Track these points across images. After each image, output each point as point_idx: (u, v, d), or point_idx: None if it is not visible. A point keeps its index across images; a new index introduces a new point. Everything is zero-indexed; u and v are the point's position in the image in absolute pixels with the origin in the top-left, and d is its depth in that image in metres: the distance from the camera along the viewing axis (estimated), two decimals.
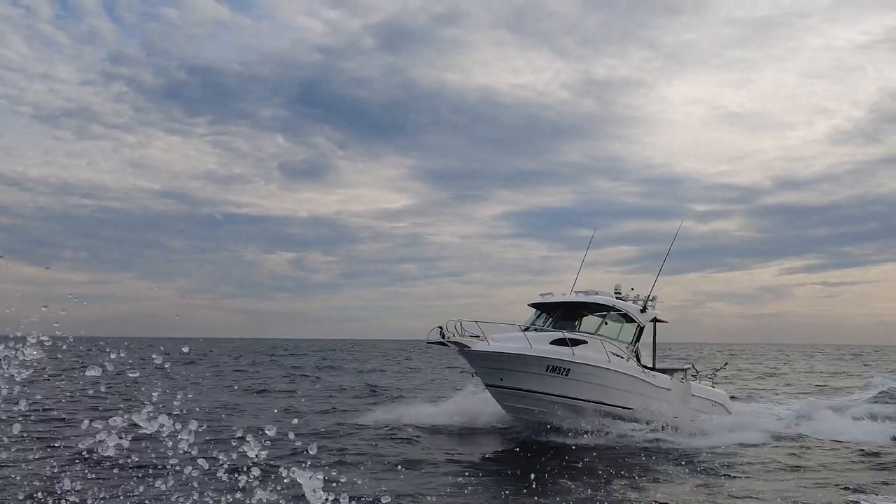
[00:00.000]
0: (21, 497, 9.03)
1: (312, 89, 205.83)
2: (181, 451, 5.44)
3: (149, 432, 5.29)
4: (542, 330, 17.89)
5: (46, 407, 15.48)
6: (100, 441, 5.40)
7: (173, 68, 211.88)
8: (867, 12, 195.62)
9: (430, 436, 16.49)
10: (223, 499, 6.65)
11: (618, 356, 17.49)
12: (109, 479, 10.10)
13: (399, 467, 12.16)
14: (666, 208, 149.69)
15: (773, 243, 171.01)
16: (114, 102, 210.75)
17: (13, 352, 5.43)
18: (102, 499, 9.11)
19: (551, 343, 16.59)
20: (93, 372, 5.73)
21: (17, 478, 10.13)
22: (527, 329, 17.99)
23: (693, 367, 21.42)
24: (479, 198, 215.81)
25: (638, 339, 18.65)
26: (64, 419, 15.06)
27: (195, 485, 6.39)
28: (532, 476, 9.91)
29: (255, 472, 5.75)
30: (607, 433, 16.53)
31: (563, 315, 18.31)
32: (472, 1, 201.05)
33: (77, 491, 8.29)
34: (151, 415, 5.25)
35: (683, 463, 13.80)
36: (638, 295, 19.65)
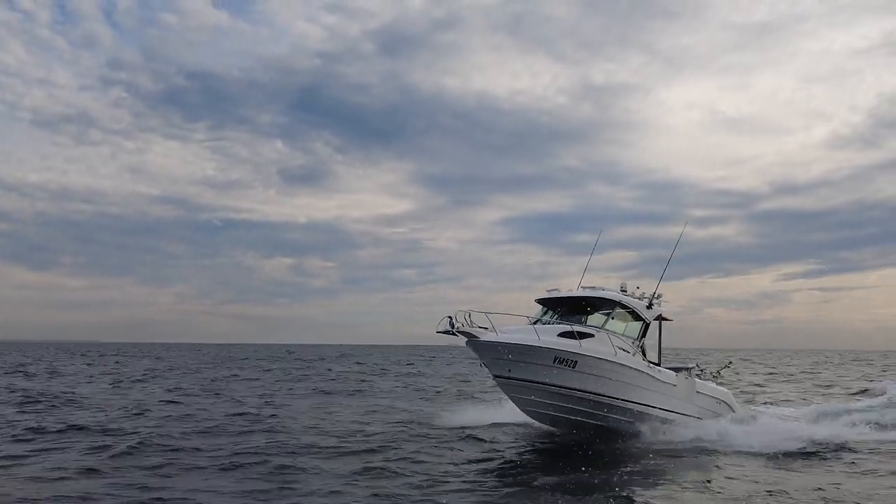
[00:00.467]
0: None
1: (311, 95, 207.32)
2: None
3: None
4: (550, 324, 18.11)
5: None
6: None
7: (172, 74, 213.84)
8: (865, 17, 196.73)
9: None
10: None
11: (624, 350, 17.68)
12: None
13: None
14: (664, 213, 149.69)
15: (771, 249, 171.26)
16: (112, 108, 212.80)
17: None
18: None
19: (559, 335, 16.77)
20: None
21: None
22: (535, 323, 18.24)
23: (697, 365, 21.58)
24: (477, 203, 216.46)
25: (643, 336, 18.80)
26: None
27: None
28: None
29: None
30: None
31: (569, 311, 18.49)
32: (471, 6, 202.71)
33: None
34: None
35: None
36: (644, 293, 19.86)
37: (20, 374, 41.41)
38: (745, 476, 13.01)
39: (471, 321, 16.15)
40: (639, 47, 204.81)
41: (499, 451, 15.44)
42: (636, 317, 18.71)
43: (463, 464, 13.69)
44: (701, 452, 15.75)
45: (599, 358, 16.86)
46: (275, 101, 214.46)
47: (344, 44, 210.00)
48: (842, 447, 16.29)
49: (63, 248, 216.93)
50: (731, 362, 26.48)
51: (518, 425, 18.73)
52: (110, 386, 32.40)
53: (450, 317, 15.66)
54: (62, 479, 11.65)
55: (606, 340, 17.19)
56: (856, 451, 15.87)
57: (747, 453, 15.58)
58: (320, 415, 21.50)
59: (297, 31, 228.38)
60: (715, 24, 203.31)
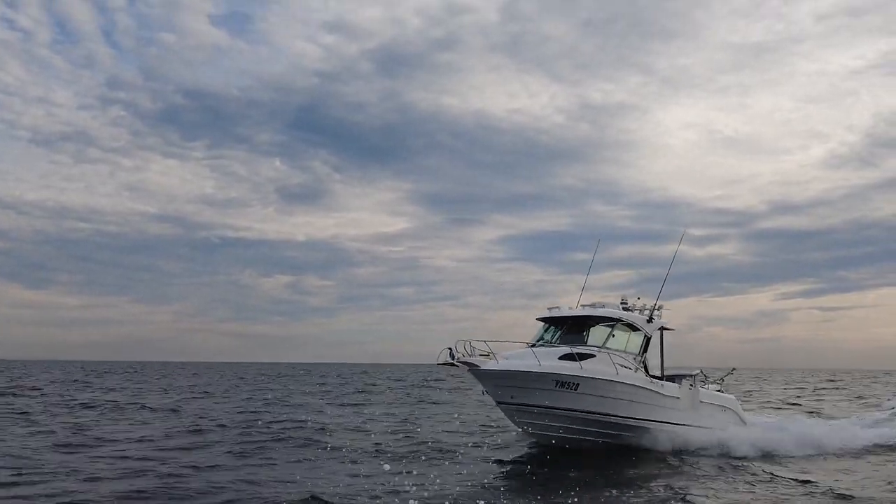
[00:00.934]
0: None
1: (309, 113, 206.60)
2: None
3: None
4: (550, 344, 18.01)
5: None
6: None
7: (171, 93, 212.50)
8: (861, 37, 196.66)
9: None
10: None
11: (626, 368, 17.61)
12: None
13: None
14: (661, 232, 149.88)
15: (769, 268, 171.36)
16: (111, 126, 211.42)
17: None
18: None
19: (559, 358, 16.73)
20: None
21: None
22: (535, 343, 18.13)
23: (702, 372, 21.48)
24: (475, 221, 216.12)
25: (646, 349, 18.81)
26: None
27: None
28: None
29: None
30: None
31: (571, 328, 18.47)
32: (469, 26, 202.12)
33: None
34: None
35: None
36: (644, 304, 19.83)
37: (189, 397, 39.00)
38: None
39: (472, 350, 16.02)
40: (636, 67, 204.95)
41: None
42: (637, 331, 18.65)
43: None
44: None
45: (601, 379, 16.79)
46: (273, 119, 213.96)
47: (342, 63, 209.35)
48: None
49: (60, 267, 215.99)
50: (734, 369, 26.51)
51: None
52: (262, 408, 30.95)
53: (450, 348, 15.61)
54: None
55: (607, 360, 17.18)
56: None
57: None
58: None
59: (295, 50, 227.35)
60: (712, 45, 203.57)
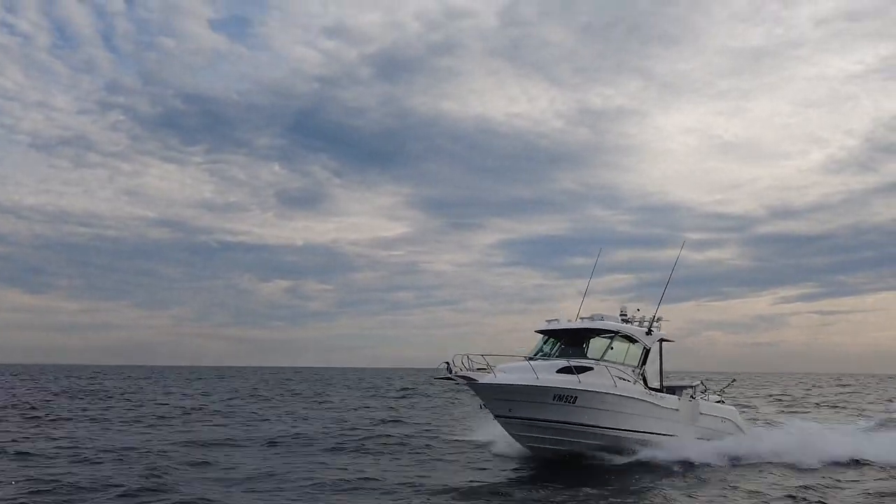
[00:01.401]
0: None
1: (309, 118, 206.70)
2: None
3: None
4: (549, 356, 17.96)
5: None
6: None
7: (170, 97, 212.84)
8: (860, 42, 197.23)
9: None
10: None
11: (624, 380, 17.54)
12: None
13: None
14: (660, 237, 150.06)
15: (768, 272, 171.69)
16: (110, 131, 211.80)
17: None
18: None
19: (557, 372, 16.69)
20: None
21: None
22: (534, 356, 18.07)
23: (702, 383, 21.42)
24: (474, 226, 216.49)
25: (644, 362, 18.76)
26: None
27: None
28: None
29: None
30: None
31: (570, 340, 18.42)
32: (468, 31, 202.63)
33: None
34: None
35: None
36: (644, 316, 19.78)
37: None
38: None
39: (469, 363, 15.96)
40: (635, 72, 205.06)
41: None
42: (636, 343, 18.59)
43: None
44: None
45: (599, 392, 16.73)
46: (273, 124, 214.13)
47: (342, 68, 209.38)
48: None
49: (60, 271, 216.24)
50: (734, 380, 26.43)
51: None
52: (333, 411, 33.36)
53: (447, 362, 15.58)
54: None
55: (605, 373, 17.13)
56: None
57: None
58: None
59: (295, 55, 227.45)
60: (711, 50, 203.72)
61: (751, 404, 37.54)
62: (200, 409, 32.54)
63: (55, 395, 42.74)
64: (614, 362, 17.79)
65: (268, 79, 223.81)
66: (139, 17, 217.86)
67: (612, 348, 18.10)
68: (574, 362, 16.99)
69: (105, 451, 17.55)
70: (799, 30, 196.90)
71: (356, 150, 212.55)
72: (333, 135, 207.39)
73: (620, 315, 19.69)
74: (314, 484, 13.76)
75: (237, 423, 25.77)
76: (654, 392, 18.47)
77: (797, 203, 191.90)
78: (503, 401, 16.50)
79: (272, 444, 19.95)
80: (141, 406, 34.14)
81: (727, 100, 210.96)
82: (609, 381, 17.09)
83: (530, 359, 17.82)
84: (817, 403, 41.85)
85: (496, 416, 17.10)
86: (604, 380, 17.05)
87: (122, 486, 12.85)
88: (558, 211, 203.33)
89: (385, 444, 20.25)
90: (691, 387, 20.26)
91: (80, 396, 41.73)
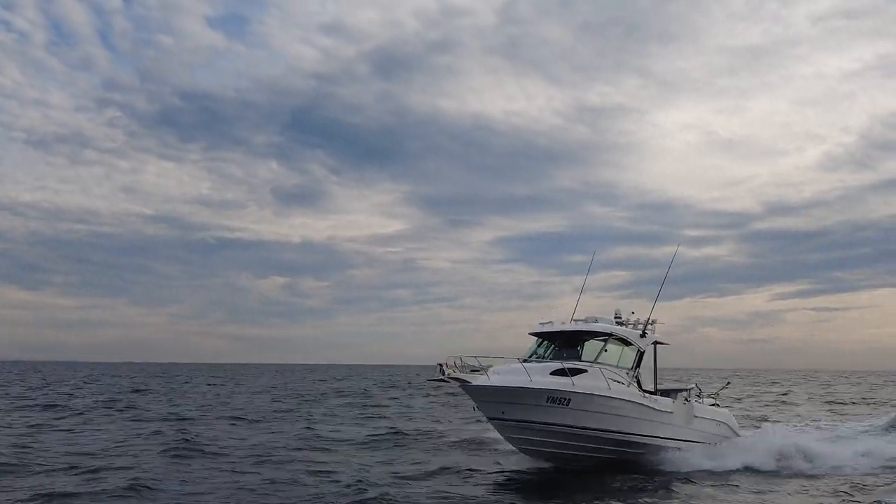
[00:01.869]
0: None
1: (306, 115, 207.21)
2: None
3: None
4: (543, 358, 17.97)
5: None
6: None
7: (167, 94, 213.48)
8: (857, 40, 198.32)
9: None
10: None
11: (618, 383, 17.52)
12: None
13: None
14: (658, 234, 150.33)
15: (765, 269, 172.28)
16: (107, 128, 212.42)
17: None
18: None
19: (551, 374, 16.65)
20: None
21: None
22: (528, 359, 18.05)
23: (697, 386, 21.42)
24: (472, 223, 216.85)
25: (638, 364, 18.75)
26: None
27: None
28: None
29: None
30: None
31: (564, 343, 18.40)
32: (466, 28, 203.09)
33: None
34: None
35: None
36: (638, 319, 19.76)
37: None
38: None
39: (463, 365, 15.92)
40: (634, 70, 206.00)
41: None
42: (631, 346, 18.57)
43: None
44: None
45: (593, 394, 16.71)
46: (270, 121, 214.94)
47: (339, 65, 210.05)
48: None
49: (56, 268, 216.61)
50: (729, 383, 26.41)
51: None
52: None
53: (440, 364, 15.53)
54: None
55: (599, 375, 17.09)
56: None
57: None
58: None
59: (292, 52, 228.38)
60: (710, 48, 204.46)
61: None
62: None
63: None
64: (608, 365, 17.75)
65: (265, 76, 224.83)
66: (137, 15, 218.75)
67: (606, 351, 18.08)
68: (568, 364, 16.96)
69: None
70: (796, 28, 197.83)
71: (354, 147, 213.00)
72: (331, 132, 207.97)
73: (615, 317, 19.66)
74: None
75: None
76: (648, 395, 18.46)
77: (794, 200, 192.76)
78: (496, 403, 16.44)
79: None
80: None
81: (725, 98, 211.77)
82: (603, 383, 17.06)
83: (524, 361, 17.85)
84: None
85: (489, 419, 17.05)
86: (598, 382, 17.01)
87: None
88: (556, 208, 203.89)
89: None
90: (686, 390, 20.27)
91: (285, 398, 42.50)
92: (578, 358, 17.84)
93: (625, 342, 18.57)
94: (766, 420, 28.30)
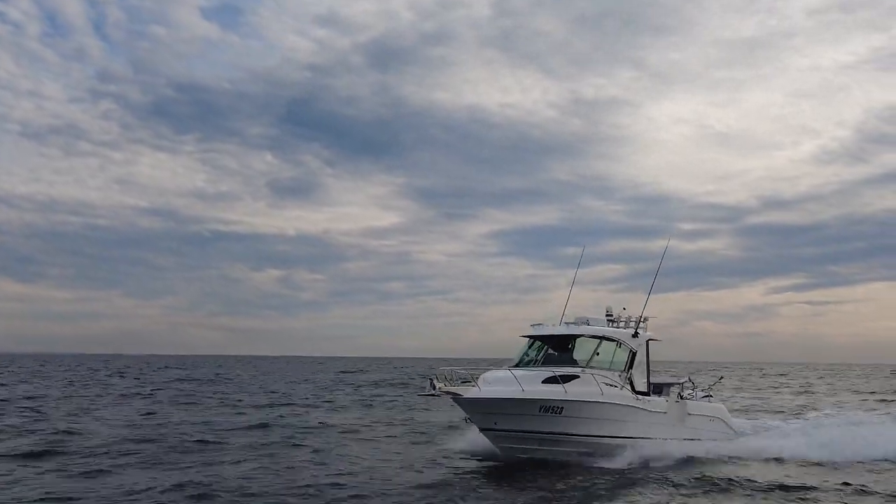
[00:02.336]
0: None
1: (301, 107, 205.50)
2: None
3: None
4: (535, 362, 17.81)
5: None
6: None
7: (161, 86, 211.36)
8: (852, 33, 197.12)
9: None
10: None
11: (611, 386, 17.40)
12: None
13: None
14: (653, 227, 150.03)
15: (760, 262, 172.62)
16: (101, 120, 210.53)
17: None
18: None
19: (543, 382, 16.47)
20: None
21: None
22: (520, 362, 17.88)
23: (690, 380, 21.31)
24: (467, 216, 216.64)
25: (631, 365, 18.57)
26: None
27: None
28: None
29: None
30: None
31: (556, 345, 18.27)
32: (461, 21, 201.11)
33: None
34: None
35: None
36: (630, 316, 19.58)
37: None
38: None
39: (454, 377, 15.76)
40: (629, 63, 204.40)
41: None
42: (623, 347, 18.46)
43: None
44: None
45: (585, 401, 16.59)
46: (265, 113, 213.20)
47: (334, 57, 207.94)
48: None
49: (50, 260, 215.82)
50: (722, 377, 26.33)
51: None
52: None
53: (430, 378, 15.33)
54: None
55: (591, 381, 16.96)
56: None
57: None
58: None
59: (287, 44, 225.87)
60: (704, 40, 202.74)
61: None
62: None
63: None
64: (600, 368, 17.63)
65: (260, 67, 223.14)
66: (130, 6, 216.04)
67: (598, 354, 17.94)
68: (559, 371, 16.80)
69: None
70: (792, 20, 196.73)
71: (349, 139, 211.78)
72: (326, 124, 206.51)
73: (606, 315, 19.48)
74: None
75: None
76: (641, 396, 18.33)
77: (788, 194, 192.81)
78: (488, 414, 16.29)
79: None
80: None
81: (720, 90, 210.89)
82: (595, 388, 16.91)
83: (516, 365, 17.70)
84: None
85: (482, 430, 16.89)
86: (590, 388, 16.85)
87: None
88: (551, 201, 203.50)
89: None
90: (678, 384, 20.16)
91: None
92: (570, 360, 17.71)
93: (617, 343, 18.42)
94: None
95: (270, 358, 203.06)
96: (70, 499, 12.09)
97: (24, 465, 15.11)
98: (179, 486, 12.88)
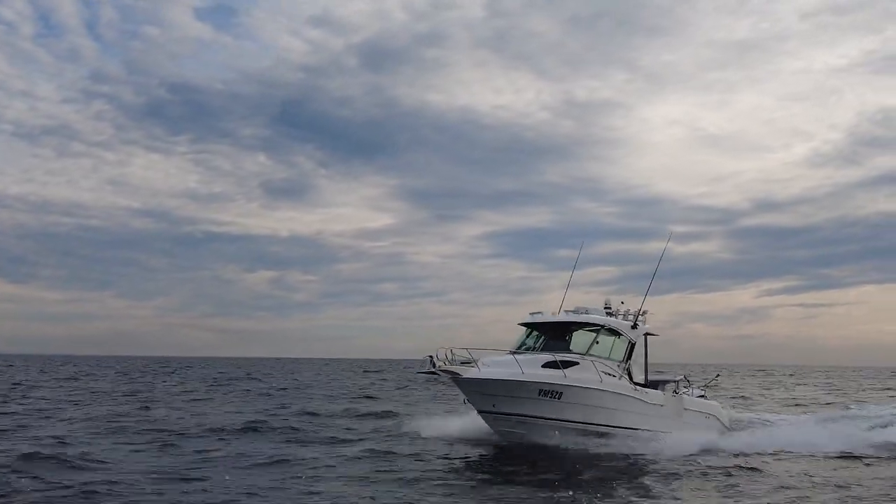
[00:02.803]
0: None
1: (294, 108, 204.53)
2: None
3: None
4: (533, 350, 17.77)
5: None
6: None
7: (154, 86, 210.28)
8: (845, 35, 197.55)
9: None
10: None
11: (610, 375, 17.40)
12: None
13: None
14: (645, 229, 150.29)
15: (752, 265, 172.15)
16: (94, 120, 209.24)
17: None
18: None
19: (543, 366, 16.43)
20: None
21: None
22: (518, 349, 17.87)
23: (686, 378, 21.33)
24: (460, 218, 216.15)
25: (629, 356, 18.54)
26: None
27: None
28: None
29: None
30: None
31: (554, 334, 18.21)
32: (454, 21, 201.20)
33: None
34: None
35: None
36: (628, 309, 19.60)
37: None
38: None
39: (453, 358, 15.74)
40: (621, 64, 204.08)
41: None
42: (622, 337, 18.43)
43: None
44: None
45: (585, 387, 16.56)
46: (258, 114, 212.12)
47: (327, 58, 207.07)
48: None
49: (42, 261, 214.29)
50: (718, 375, 26.41)
51: None
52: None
53: (430, 356, 15.29)
54: None
55: (591, 367, 16.93)
56: None
57: None
58: None
59: (280, 44, 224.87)
60: (697, 42, 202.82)
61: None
62: None
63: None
64: (600, 357, 17.59)
65: (253, 68, 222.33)
66: (123, 5, 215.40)
67: (597, 342, 17.90)
68: (560, 357, 16.78)
69: None
70: (784, 23, 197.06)
71: (342, 140, 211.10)
72: (319, 125, 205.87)
73: (605, 308, 19.46)
74: None
75: None
76: (639, 387, 18.35)
77: (781, 196, 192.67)
78: (487, 395, 16.26)
79: None
80: None
81: (713, 92, 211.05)
82: (595, 376, 16.90)
83: (514, 352, 17.68)
84: None
85: (479, 412, 16.87)
86: (590, 375, 16.85)
87: None
88: (543, 203, 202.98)
89: None
90: (675, 381, 20.20)
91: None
92: (568, 349, 17.66)
93: (616, 333, 18.40)
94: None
95: (266, 360, 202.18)
96: None
97: None
98: None
